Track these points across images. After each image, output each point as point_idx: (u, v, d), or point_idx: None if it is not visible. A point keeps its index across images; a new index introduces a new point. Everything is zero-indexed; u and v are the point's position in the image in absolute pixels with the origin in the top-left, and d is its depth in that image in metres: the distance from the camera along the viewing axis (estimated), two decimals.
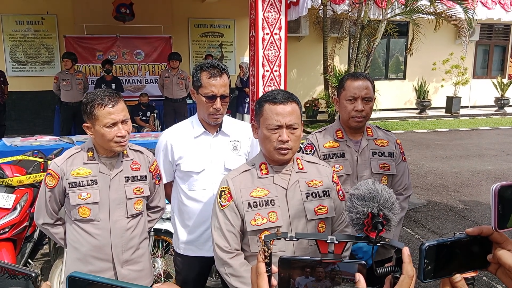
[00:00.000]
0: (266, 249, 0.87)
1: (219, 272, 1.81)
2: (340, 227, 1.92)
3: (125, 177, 2.14)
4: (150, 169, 2.24)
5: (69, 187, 2.05)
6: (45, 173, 3.63)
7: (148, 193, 2.23)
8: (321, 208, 1.79)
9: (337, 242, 0.90)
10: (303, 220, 1.77)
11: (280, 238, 0.94)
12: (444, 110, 13.74)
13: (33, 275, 0.76)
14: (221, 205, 1.77)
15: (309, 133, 2.46)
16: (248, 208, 1.73)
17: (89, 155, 2.10)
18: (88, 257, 2.10)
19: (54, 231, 2.19)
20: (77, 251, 2.11)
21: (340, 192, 1.91)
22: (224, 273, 1.75)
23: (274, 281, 0.90)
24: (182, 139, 2.29)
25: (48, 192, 2.09)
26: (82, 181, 2.06)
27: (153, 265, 3.52)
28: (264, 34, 5.22)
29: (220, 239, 1.76)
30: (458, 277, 0.86)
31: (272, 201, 1.74)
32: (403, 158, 2.42)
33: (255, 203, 1.73)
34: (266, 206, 1.73)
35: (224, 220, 1.76)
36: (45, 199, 2.10)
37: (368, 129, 2.37)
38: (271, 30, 5.23)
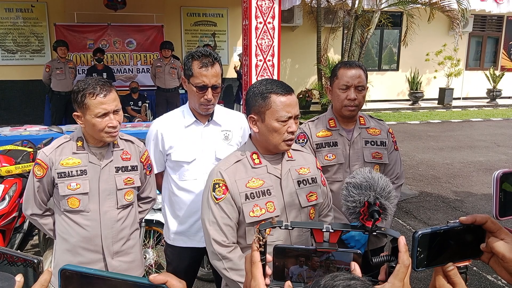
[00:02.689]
0: (261, 238, 0.86)
1: (213, 266, 1.77)
2: (324, 211, 1.97)
3: (115, 167, 2.10)
4: (141, 159, 2.21)
5: (58, 177, 2.01)
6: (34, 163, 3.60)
7: (139, 184, 2.20)
8: (312, 195, 1.81)
9: (332, 231, 0.89)
10: (297, 208, 1.77)
11: (275, 227, 0.93)
12: (436, 102, 13.79)
13: (36, 261, 0.75)
14: (216, 198, 1.71)
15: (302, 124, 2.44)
16: (245, 200, 1.70)
17: (78, 145, 2.05)
18: (78, 248, 2.07)
19: (43, 222, 2.14)
20: (66, 242, 2.08)
21: (322, 177, 1.94)
22: (223, 268, 1.69)
23: (269, 270, 0.89)
24: (173, 128, 2.25)
25: (36, 183, 2.04)
26: (71, 171, 2.01)
27: (145, 256, 3.50)
28: (257, 23, 5.16)
29: (217, 234, 1.70)
30: (450, 265, 0.85)
31: (268, 191, 1.72)
32: (395, 147, 2.41)
33: (252, 194, 1.70)
34: (263, 196, 1.71)
35: (220, 214, 1.70)
36: (34, 189, 2.06)
37: (360, 118, 2.36)
38: (264, 19, 5.16)
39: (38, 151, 2.05)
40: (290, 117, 1.70)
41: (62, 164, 2.01)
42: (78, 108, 1.98)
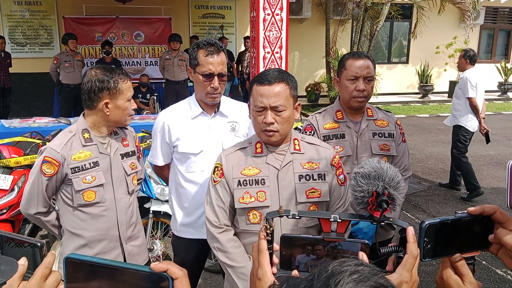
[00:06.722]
0: (268, 227, 0.85)
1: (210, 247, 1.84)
2: (337, 212, 1.86)
3: (120, 155, 2.14)
4: (136, 144, 2.28)
5: (71, 173, 1.98)
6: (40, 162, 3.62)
7: (140, 167, 2.25)
8: (314, 192, 1.74)
9: (340, 220, 0.88)
10: (293, 202, 1.73)
11: (282, 216, 0.93)
12: (446, 95, 13.64)
13: (39, 244, 0.77)
14: (214, 181, 1.79)
15: (309, 116, 2.43)
16: (237, 186, 1.73)
17: (85, 137, 2.03)
18: (94, 241, 2.07)
19: (47, 219, 2.09)
20: (79, 238, 2.06)
21: (341, 176, 1.84)
22: (213, 247, 1.78)
23: (276, 259, 0.88)
24: (180, 120, 2.24)
25: (45, 181, 1.97)
26: (85, 165, 2.00)
27: (152, 247, 3.52)
28: (265, 14, 5.13)
29: (210, 214, 1.78)
30: (458, 256, 0.84)
31: (263, 180, 1.72)
32: (403, 139, 2.39)
33: (245, 181, 1.72)
34: (255, 185, 1.72)
35: (215, 196, 1.77)
36: (42, 188, 1.98)
37: (368, 109, 2.33)
38: (272, 10, 5.12)
39: (45, 149, 1.98)
40: (264, 108, 1.68)
41: (74, 158, 1.99)
42: (109, 94, 2.00)
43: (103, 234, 2.08)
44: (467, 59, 5.36)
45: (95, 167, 2.02)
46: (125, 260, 2.18)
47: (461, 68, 5.48)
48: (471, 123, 5.33)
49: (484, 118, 5.37)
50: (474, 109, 5.27)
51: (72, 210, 2.05)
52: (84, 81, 2.02)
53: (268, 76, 1.70)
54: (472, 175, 5.35)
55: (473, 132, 5.41)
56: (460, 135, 5.42)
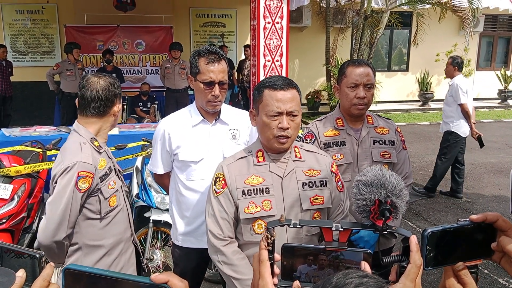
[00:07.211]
0: (269, 236, 0.84)
1: (211, 259, 1.79)
2: (337, 218, 1.87)
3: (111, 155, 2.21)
4: None
5: (100, 182, 1.97)
6: (43, 163, 3.61)
7: None
8: (317, 198, 1.75)
9: (342, 229, 0.87)
10: (298, 210, 1.73)
11: (283, 225, 0.92)
12: None
13: (37, 256, 0.75)
14: (216, 192, 1.75)
15: (309, 123, 2.43)
16: (242, 196, 1.70)
17: (96, 145, 2.01)
18: (113, 247, 2.06)
19: (67, 241, 1.95)
20: (101, 248, 2.02)
21: (339, 182, 1.86)
22: (217, 261, 1.73)
23: (277, 269, 0.87)
24: (180, 128, 2.24)
25: (80, 197, 1.89)
26: (106, 172, 2.02)
27: (152, 257, 3.50)
28: (265, 23, 5.15)
29: (213, 226, 1.73)
30: (460, 265, 0.83)
31: (267, 189, 1.70)
32: (404, 146, 2.38)
33: (249, 191, 1.70)
34: (260, 194, 1.70)
35: (218, 207, 1.74)
36: (77, 206, 1.89)
37: (368, 117, 2.33)
38: (273, 19, 5.15)
39: (73, 165, 1.87)
40: (280, 113, 1.67)
41: (99, 167, 1.98)
42: (119, 98, 2.09)
43: (121, 237, 2.10)
44: (455, 66, 5.48)
45: (111, 172, 2.06)
46: (138, 255, 2.24)
47: (449, 75, 5.58)
48: (463, 129, 5.45)
49: (474, 123, 5.50)
50: (466, 115, 5.40)
51: (98, 221, 1.99)
52: (97, 88, 1.98)
53: (280, 82, 1.70)
54: (438, 183, 5.71)
55: (465, 138, 5.52)
56: (451, 140, 5.53)
